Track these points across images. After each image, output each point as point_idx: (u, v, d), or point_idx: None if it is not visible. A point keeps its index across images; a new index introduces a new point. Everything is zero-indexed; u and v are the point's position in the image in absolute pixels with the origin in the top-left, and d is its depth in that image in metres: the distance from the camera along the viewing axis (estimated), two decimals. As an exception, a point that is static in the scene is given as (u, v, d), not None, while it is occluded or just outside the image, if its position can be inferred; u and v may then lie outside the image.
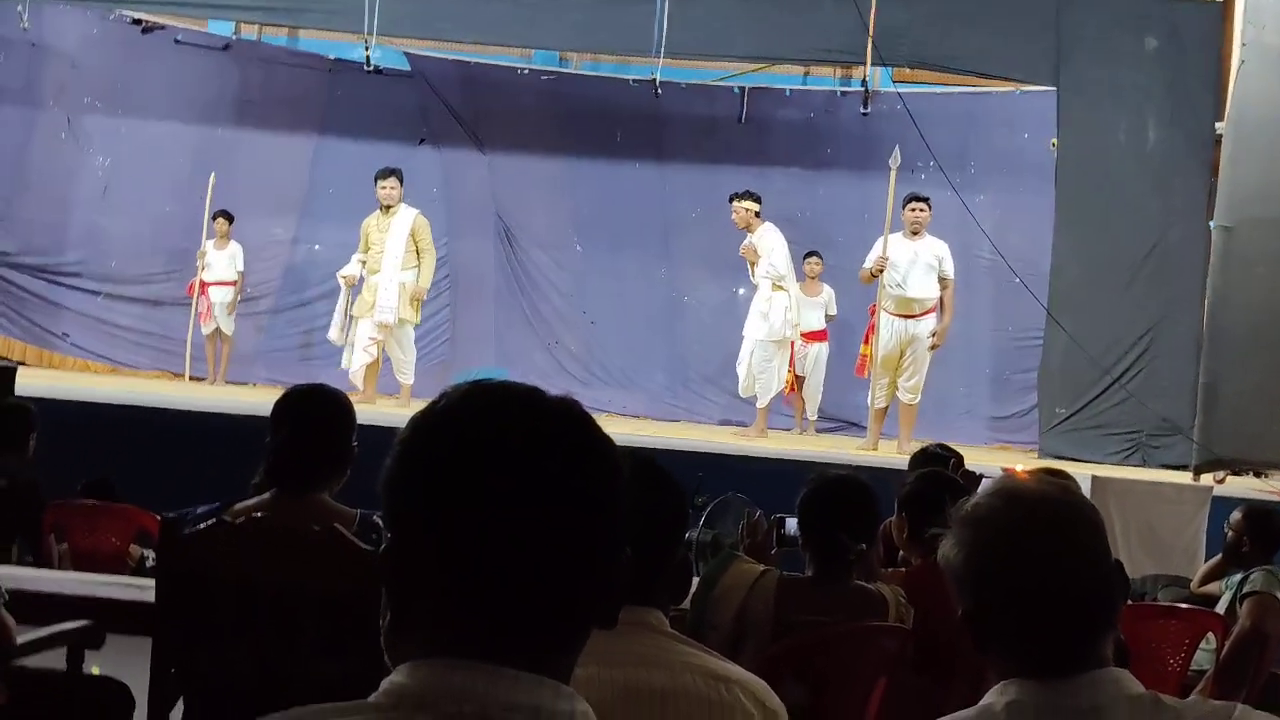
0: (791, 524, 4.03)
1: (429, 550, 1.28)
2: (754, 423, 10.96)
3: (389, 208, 11.11)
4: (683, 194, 12.98)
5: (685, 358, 12.86)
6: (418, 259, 11.13)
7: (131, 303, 13.14)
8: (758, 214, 10.83)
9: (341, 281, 11.46)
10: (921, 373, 10.38)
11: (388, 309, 10.99)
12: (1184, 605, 5.78)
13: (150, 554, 5.74)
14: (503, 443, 1.28)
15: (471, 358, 12.95)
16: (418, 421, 1.33)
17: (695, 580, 3.55)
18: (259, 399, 9.03)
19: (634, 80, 12.47)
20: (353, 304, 11.35)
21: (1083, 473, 7.40)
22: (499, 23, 12.07)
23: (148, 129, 13.19)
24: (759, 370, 10.86)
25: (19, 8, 11.79)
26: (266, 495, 3.41)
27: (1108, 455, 10.47)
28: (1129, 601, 5.10)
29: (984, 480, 3.95)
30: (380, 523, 3.33)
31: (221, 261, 12.35)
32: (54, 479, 6.18)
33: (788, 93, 13.06)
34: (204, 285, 12.25)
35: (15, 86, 13.01)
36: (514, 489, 1.27)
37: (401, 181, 11.15)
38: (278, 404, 3.44)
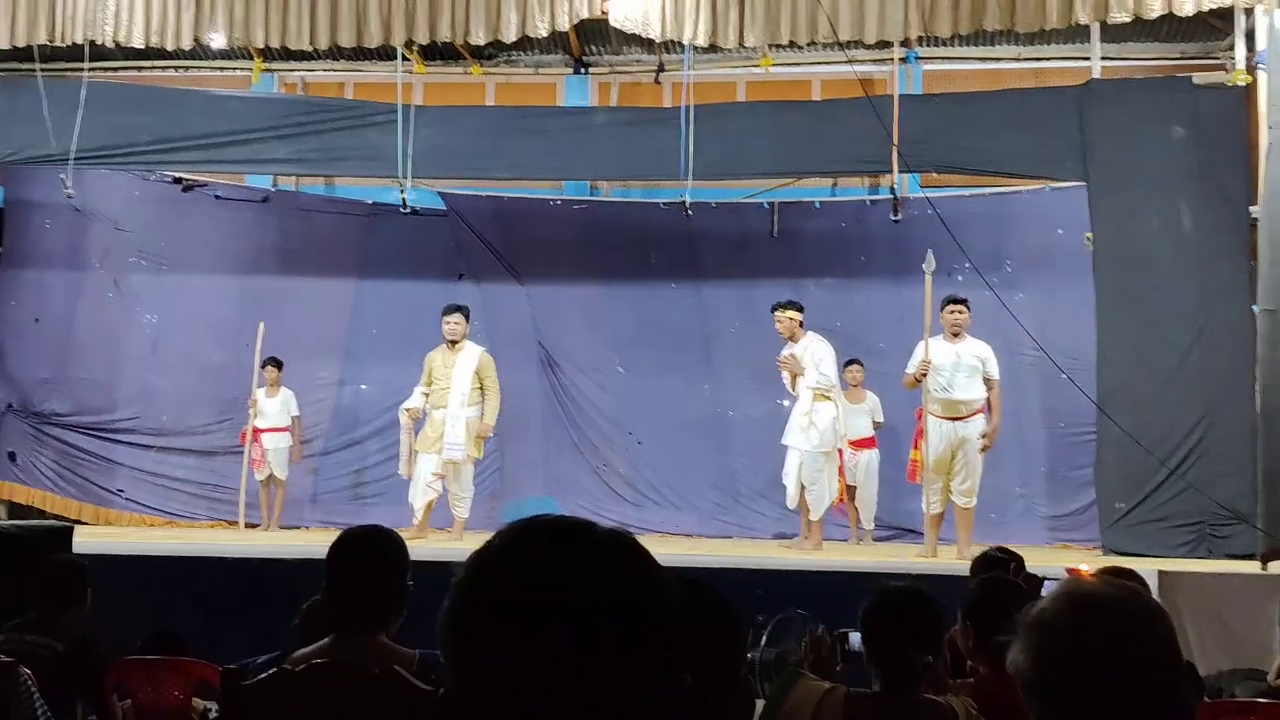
0: (855, 638, 3.98)
1: (488, 692, 1.28)
2: (809, 536, 10.89)
3: (454, 343, 11.25)
4: (721, 310, 13.04)
5: (734, 472, 12.82)
6: (482, 395, 11.23)
7: (184, 454, 13.28)
8: (801, 323, 10.91)
9: (404, 415, 11.53)
10: (975, 475, 10.30)
11: (456, 446, 11.08)
12: (1263, 700, 5.64)
13: (213, 706, 5.72)
14: (556, 585, 1.29)
15: (521, 486, 12.98)
16: (473, 564, 1.34)
17: (759, 702, 3.51)
18: (314, 542, 9.06)
19: (664, 203, 12.64)
20: (415, 438, 11.43)
21: (1148, 568, 7.30)
22: (529, 158, 12.29)
23: (192, 283, 13.45)
24: (810, 482, 10.81)
25: (61, 174, 12.09)
26: (325, 641, 3.41)
27: (1172, 548, 10.27)
28: (1205, 699, 5.00)
29: (1047, 583, 3.91)
30: (439, 662, 3.34)
31: (273, 408, 12.50)
32: (115, 635, 6.19)
33: (817, 204, 13.15)
34: (256, 432, 12.38)
35: (62, 250, 13.32)
36: (569, 630, 1.28)
37: (467, 318, 11.34)
38: (333, 548, 3.45)
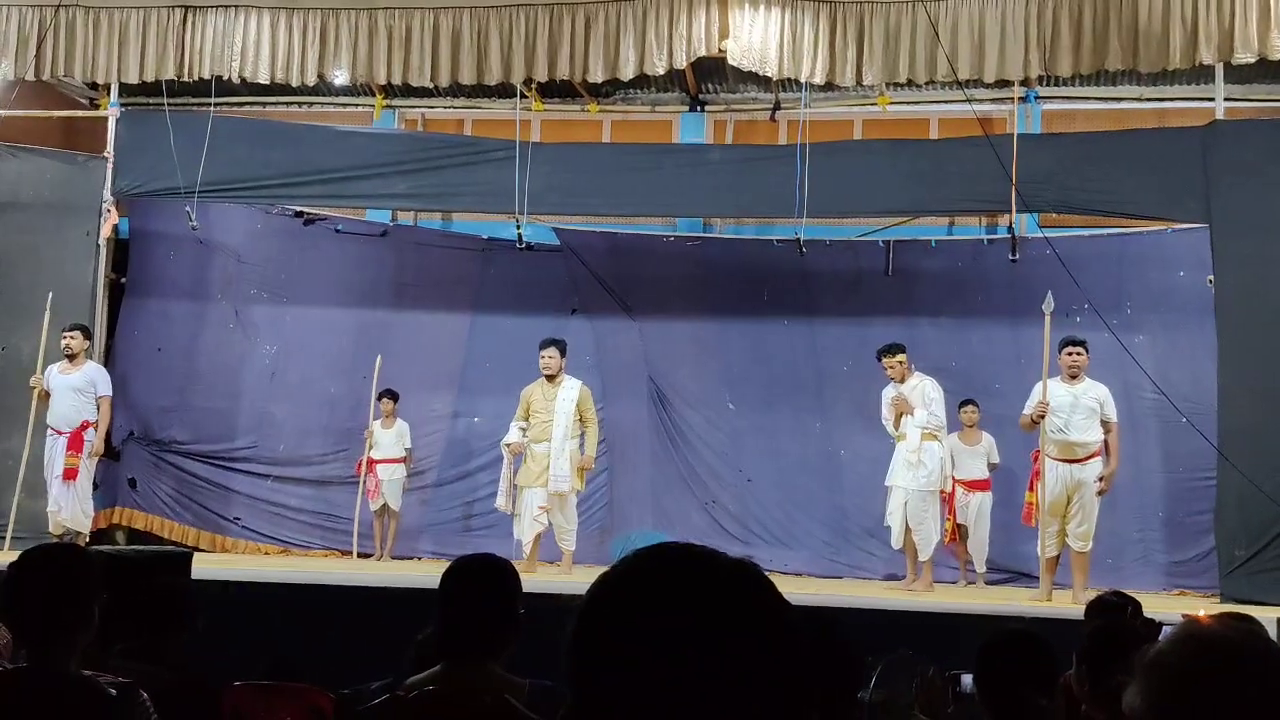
0: (967, 680, 3.94)
1: (610, 714, 1.29)
2: (919, 577, 10.76)
3: (552, 377, 11.34)
4: (833, 348, 12.95)
5: (845, 511, 12.71)
6: (581, 428, 11.32)
7: (299, 484, 13.46)
8: (908, 364, 10.85)
9: (505, 451, 11.64)
10: (1091, 519, 10.13)
11: (562, 478, 11.17)
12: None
13: (325, 732, 5.77)
14: (683, 610, 1.30)
15: (630, 521, 12.99)
16: (599, 588, 1.35)
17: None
18: (426, 573, 9.14)
19: (778, 240, 12.63)
20: (516, 473, 11.52)
21: (1268, 616, 7.11)
22: (643, 194, 12.37)
23: (311, 315, 13.67)
24: (917, 522, 10.70)
25: (187, 208, 12.39)
26: (437, 668, 3.43)
27: (1293, 596, 10.02)
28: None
29: (1165, 628, 3.83)
30: (550, 691, 3.34)
31: (388, 439, 12.66)
32: (229, 660, 6.29)
33: (933, 244, 13.04)
34: (372, 463, 12.54)
35: (184, 282, 13.61)
36: (694, 656, 1.28)
37: (564, 352, 11.45)
38: (445, 575, 3.48)
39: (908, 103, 13.59)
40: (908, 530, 10.72)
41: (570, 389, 11.41)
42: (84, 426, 11.51)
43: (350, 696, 3.45)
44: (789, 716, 1.31)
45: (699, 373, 13.36)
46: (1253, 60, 10.84)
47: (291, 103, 14.32)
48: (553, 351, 11.40)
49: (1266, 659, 1.84)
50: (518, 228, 12.33)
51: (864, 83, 11.75)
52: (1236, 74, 11.98)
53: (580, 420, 11.40)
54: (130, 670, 4.32)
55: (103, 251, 12.75)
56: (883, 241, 12.91)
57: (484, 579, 3.47)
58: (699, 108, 14.14)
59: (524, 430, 11.45)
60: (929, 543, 10.76)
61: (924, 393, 10.73)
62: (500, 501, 11.68)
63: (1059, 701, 4.14)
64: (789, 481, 13.00)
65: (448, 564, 3.60)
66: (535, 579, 9.23)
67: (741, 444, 13.19)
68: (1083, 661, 4.30)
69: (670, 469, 13.28)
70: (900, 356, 10.85)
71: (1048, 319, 9.98)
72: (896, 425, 10.83)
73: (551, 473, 11.19)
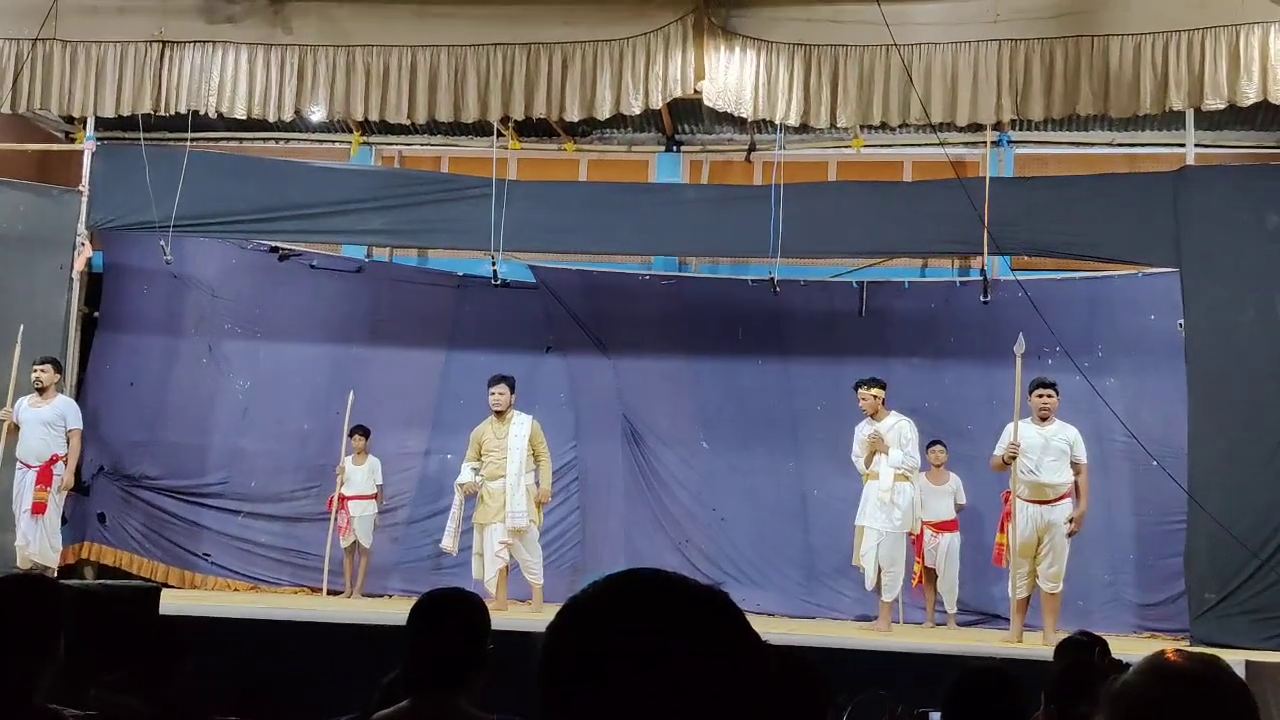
0: (935, 718, 3.94)
1: None
2: (879, 617, 10.78)
3: (501, 413, 11.35)
4: (807, 388, 12.99)
5: (818, 551, 12.70)
6: (535, 463, 11.32)
7: (270, 520, 13.39)
8: (884, 401, 10.88)
9: (459, 490, 11.62)
10: (1061, 560, 10.15)
11: (520, 514, 11.15)
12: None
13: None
14: (653, 632, 1.30)
15: (602, 560, 12.94)
16: (570, 607, 1.36)
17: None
18: (396, 610, 9.10)
19: (752, 280, 12.68)
20: (471, 514, 11.49)
21: (1235, 658, 7.15)
22: (619, 233, 12.42)
23: (285, 351, 13.64)
24: (889, 563, 10.72)
25: (161, 241, 12.36)
26: (405, 703, 3.42)
27: (1262, 640, 10.00)
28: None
29: (1132, 669, 3.84)
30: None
31: (360, 476, 12.62)
32: (198, 696, 6.24)
33: (906, 285, 13.11)
34: (343, 499, 12.49)
35: (158, 316, 13.56)
36: (660, 676, 1.28)
37: (513, 389, 11.44)
38: (414, 609, 3.47)
39: (882, 145, 13.69)
40: (879, 570, 10.73)
41: (521, 424, 11.41)
42: (53, 460, 11.45)
43: (318, 731, 3.43)
44: None
45: (673, 411, 13.37)
46: (1223, 106, 10.95)
47: (268, 138, 14.34)
48: (502, 388, 11.43)
49: (1229, 692, 1.86)
50: (493, 265, 12.35)
51: (838, 124, 11.83)
52: (1207, 120, 12.11)
53: (534, 455, 11.41)
54: (108, 704, 4.29)
55: (76, 285, 12.71)
56: (856, 282, 12.97)
57: (453, 613, 3.47)
58: (675, 148, 14.22)
59: (476, 470, 11.45)
60: (896, 584, 10.79)
61: (900, 433, 10.75)
62: (446, 542, 11.65)
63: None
64: (762, 521, 13.00)
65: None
66: (505, 617, 9.19)
67: (715, 483, 13.20)
68: (1051, 700, 4.31)
69: (644, 508, 13.26)
70: (876, 390, 10.87)
71: (1019, 360, 10.03)
72: (868, 463, 10.84)
73: (509, 509, 11.18)
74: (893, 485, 10.66)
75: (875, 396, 10.86)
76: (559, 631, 1.34)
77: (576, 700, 1.30)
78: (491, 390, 11.44)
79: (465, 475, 11.53)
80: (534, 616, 10.35)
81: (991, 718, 3.62)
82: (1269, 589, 10.26)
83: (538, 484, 11.45)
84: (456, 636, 3.40)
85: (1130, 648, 8.07)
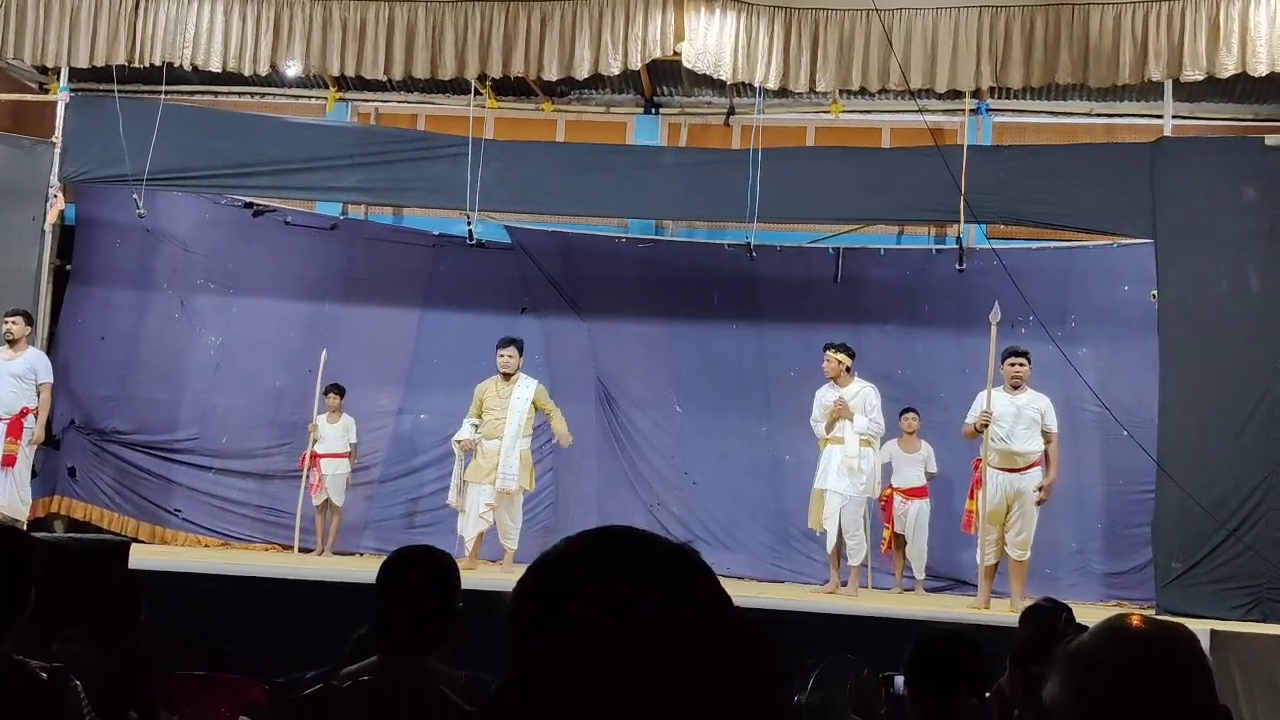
0: (899, 681, 3.96)
1: (544, 689, 1.29)
2: (848, 581, 10.84)
3: (509, 375, 11.34)
4: (781, 353, 13.00)
5: (788, 516, 12.74)
6: (545, 417, 11.55)
7: (242, 477, 13.36)
8: (849, 369, 10.88)
9: (456, 447, 11.61)
10: (1030, 528, 10.20)
11: (511, 476, 11.17)
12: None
13: (259, 724, 5.74)
14: (623, 584, 1.30)
15: (574, 521, 12.96)
16: (540, 560, 1.36)
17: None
18: (367, 568, 9.09)
19: (729, 245, 12.67)
20: (465, 469, 11.50)
21: (1201, 627, 7.21)
22: (595, 195, 12.37)
23: (258, 307, 13.58)
24: (853, 528, 10.76)
25: (135, 196, 12.28)
26: (373, 659, 3.43)
27: (1228, 610, 10.09)
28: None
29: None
30: (486, 685, 3.34)
31: (334, 434, 12.59)
32: (166, 651, 6.24)
33: (882, 252, 13.12)
34: (315, 457, 12.47)
35: (130, 270, 13.48)
36: (628, 627, 1.28)
37: (521, 351, 11.46)
38: (384, 566, 3.47)
39: (861, 111, 13.67)
40: (839, 535, 10.77)
41: (526, 387, 11.42)
42: (24, 413, 11.40)
43: (284, 686, 3.43)
44: (721, 696, 1.31)
45: (647, 375, 13.38)
46: (1201, 78, 10.98)
47: (244, 93, 14.25)
48: (512, 351, 11.42)
49: (1184, 657, 1.87)
50: (469, 224, 12.30)
51: (818, 89, 11.81)
52: (1185, 92, 12.12)
53: (543, 412, 11.49)
54: (73, 656, 4.29)
55: (48, 237, 12.62)
56: (832, 249, 12.98)
57: (422, 571, 3.47)
58: (654, 110, 14.17)
59: (475, 427, 11.43)
60: (861, 548, 10.84)
61: (865, 399, 10.78)
62: (452, 498, 11.65)
63: (993, 704, 4.18)
64: (734, 485, 13.04)
65: (388, 557, 3.59)
66: (476, 576, 9.21)
67: (687, 446, 13.23)
68: (1016, 665, 4.35)
69: (616, 470, 13.29)
70: (841, 355, 10.85)
71: (994, 329, 10.05)
72: (829, 429, 10.85)
73: (500, 470, 11.18)
74: (858, 451, 10.70)
75: (840, 362, 10.84)
76: (528, 585, 1.34)
77: (544, 651, 1.30)
78: (501, 352, 11.42)
79: (465, 431, 11.51)
80: (504, 576, 10.37)
81: (952, 679, 3.65)
82: (1235, 559, 10.33)
83: (554, 438, 11.70)
84: (426, 594, 3.40)
85: (1096, 615, 8.08)
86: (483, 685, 3.33)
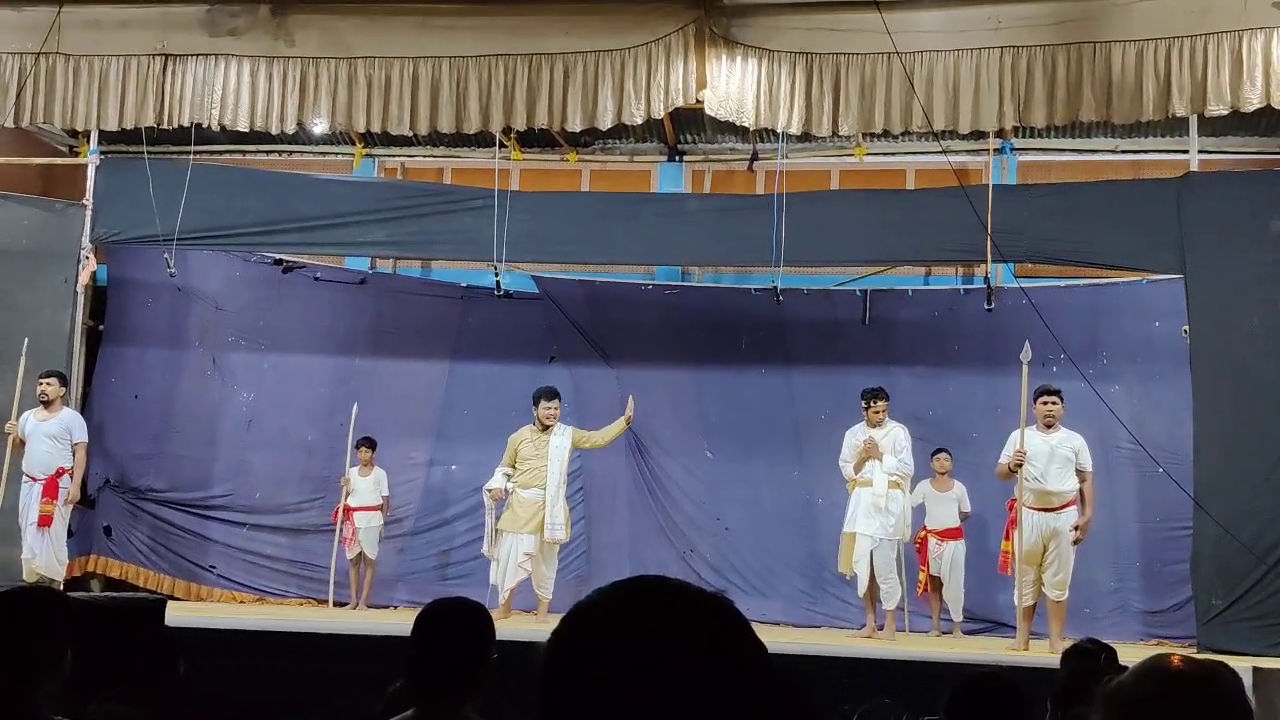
0: (940, 725, 3.93)
1: None
2: (884, 625, 10.77)
3: (548, 427, 11.36)
4: (810, 396, 12.97)
5: (822, 560, 12.64)
6: (590, 447, 11.84)
7: (275, 532, 13.39)
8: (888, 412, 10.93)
9: (487, 496, 11.60)
10: (1067, 568, 10.12)
11: (558, 526, 11.25)
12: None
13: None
14: (658, 635, 1.30)
15: (607, 570, 12.91)
16: (574, 612, 1.36)
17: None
18: (401, 621, 9.09)
19: (755, 289, 12.68)
20: (499, 518, 11.49)
21: (1243, 665, 7.13)
22: (621, 243, 12.41)
23: (289, 362, 13.65)
24: (887, 571, 10.71)
25: (165, 255, 12.38)
26: (410, 712, 3.42)
27: (1269, 646, 9.97)
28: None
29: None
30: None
31: (366, 487, 12.62)
32: (203, 709, 6.24)
33: (910, 293, 13.11)
34: (349, 511, 12.49)
35: (162, 329, 13.58)
36: (662, 679, 1.27)
37: (562, 402, 11.50)
38: (419, 618, 3.47)
39: (884, 154, 13.70)
40: (871, 578, 10.71)
41: (562, 435, 11.49)
42: (59, 473, 11.46)
43: (322, 741, 3.43)
44: None
45: (677, 421, 13.36)
46: (1226, 112, 10.94)
47: (271, 151, 14.38)
48: (557, 404, 11.58)
49: (1225, 694, 1.86)
50: (496, 275, 12.36)
51: (840, 133, 11.83)
52: (1210, 126, 12.10)
53: (590, 444, 11.73)
54: (111, 716, 4.29)
55: (80, 299, 12.72)
56: (860, 291, 12.97)
57: (457, 621, 3.47)
58: (677, 157, 14.23)
59: (508, 476, 11.44)
60: (896, 592, 10.78)
61: (895, 439, 10.76)
62: (486, 548, 11.65)
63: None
64: (766, 530, 12.98)
65: (423, 610, 3.59)
66: (510, 625, 9.18)
67: (719, 493, 13.18)
68: (1056, 707, 4.31)
69: (648, 518, 13.25)
70: (883, 403, 10.90)
71: (1025, 368, 10.01)
72: (857, 469, 10.82)
73: (549, 521, 11.24)
74: (886, 492, 10.66)
75: (884, 410, 10.89)
76: (561, 635, 1.34)
77: (577, 701, 1.30)
78: (547, 405, 11.50)
79: (496, 480, 11.51)
80: (538, 626, 10.35)
81: (995, 722, 3.62)
82: (1275, 595, 10.23)
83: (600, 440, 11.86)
84: (461, 645, 3.40)
85: (1137, 655, 8.01)
86: (519, 736, 3.32)
